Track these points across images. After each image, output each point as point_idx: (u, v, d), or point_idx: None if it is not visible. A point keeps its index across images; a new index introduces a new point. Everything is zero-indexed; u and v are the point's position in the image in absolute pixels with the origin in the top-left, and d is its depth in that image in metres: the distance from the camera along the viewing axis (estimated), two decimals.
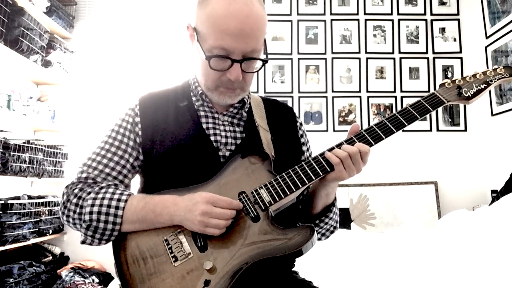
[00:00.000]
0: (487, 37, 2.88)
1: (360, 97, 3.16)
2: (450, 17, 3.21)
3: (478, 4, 2.99)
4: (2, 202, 2.36)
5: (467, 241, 1.65)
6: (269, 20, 3.15)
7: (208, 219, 0.86)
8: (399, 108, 3.11)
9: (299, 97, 3.17)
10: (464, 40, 3.18)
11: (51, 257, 2.78)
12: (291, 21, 3.23)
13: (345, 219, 2.92)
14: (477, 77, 1.01)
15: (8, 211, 2.36)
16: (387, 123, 0.96)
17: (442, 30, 3.21)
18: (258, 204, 0.92)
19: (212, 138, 1.02)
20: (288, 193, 0.93)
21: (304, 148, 1.16)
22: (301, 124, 1.18)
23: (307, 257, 0.96)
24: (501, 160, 2.75)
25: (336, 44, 3.21)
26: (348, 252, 1.91)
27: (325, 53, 3.21)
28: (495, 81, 1.00)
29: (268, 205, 0.92)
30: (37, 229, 2.62)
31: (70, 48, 3.13)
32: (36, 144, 2.68)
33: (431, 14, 3.23)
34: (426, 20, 3.22)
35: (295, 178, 0.93)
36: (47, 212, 2.76)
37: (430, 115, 3.11)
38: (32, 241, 2.59)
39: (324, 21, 3.23)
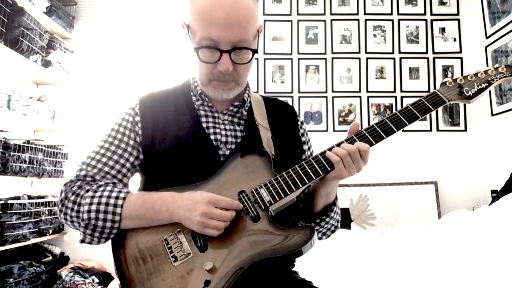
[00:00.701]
0: (487, 37, 2.88)
1: (360, 97, 3.16)
2: (450, 17, 3.21)
3: (478, 4, 2.99)
4: (2, 202, 2.36)
5: (467, 241, 1.65)
6: (269, 20, 3.18)
7: (207, 220, 0.86)
8: (399, 108, 3.12)
9: (299, 97, 3.17)
10: (464, 40, 3.18)
11: (51, 257, 2.78)
12: (291, 21, 3.23)
13: (345, 219, 2.92)
14: (479, 76, 1.00)
15: (8, 211, 2.36)
16: (388, 122, 0.96)
17: (442, 30, 3.21)
18: (258, 203, 0.92)
19: (212, 137, 1.02)
20: (288, 193, 0.92)
21: (305, 147, 1.15)
22: (302, 123, 1.18)
23: (307, 257, 0.96)
24: (501, 160, 2.75)
25: (336, 44, 3.21)
26: (348, 252, 1.91)
27: (325, 53, 3.21)
28: (496, 80, 0.99)
29: (268, 205, 0.92)
30: (37, 229, 2.62)
31: (70, 48, 3.13)
32: (36, 144, 2.68)
33: (431, 14, 3.23)
34: (426, 20, 3.22)
35: (295, 178, 0.93)
36: (47, 212, 2.76)
37: (430, 115, 3.11)
38: (32, 241, 2.59)
39: (324, 21, 3.23)
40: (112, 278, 2.66)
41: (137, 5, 3.28)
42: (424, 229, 2.81)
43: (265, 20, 3.21)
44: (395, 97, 3.15)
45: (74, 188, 0.96)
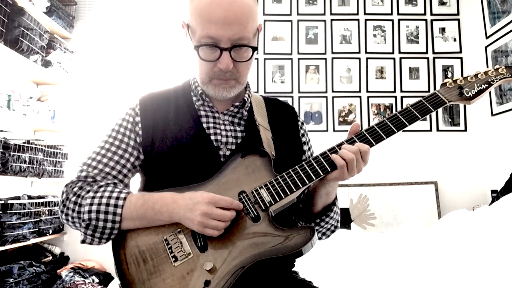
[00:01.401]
0: (487, 37, 2.88)
1: (360, 97, 3.16)
2: (450, 17, 3.21)
3: (478, 4, 2.99)
4: (2, 202, 2.36)
5: (467, 241, 1.65)
6: (269, 20, 3.18)
7: (208, 220, 0.86)
8: (399, 108, 3.12)
9: (299, 97, 3.17)
10: (464, 40, 3.18)
11: (51, 257, 2.78)
12: (291, 21, 3.23)
13: (345, 219, 2.92)
14: (479, 77, 1.00)
15: (8, 211, 2.36)
16: (388, 123, 0.96)
17: (442, 30, 3.21)
18: (258, 204, 0.92)
19: (212, 137, 1.02)
20: (289, 193, 0.92)
21: (305, 147, 1.15)
22: (302, 123, 1.18)
23: (307, 257, 0.96)
24: (501, 160, 2.75)
25: (336, 44, 3.21)
26: (348, 252, 1.91)
27: (325, 53, 3.21)
28: (496, 81, 0.99)
29: (268, 205, 0.92)
30: (37, 229, 2.62)
31: (70, 48, 3.13)
32: (36, 144, 2.68)
33: (431, 14, 3.23)
34: (426, 20, 3.22)
35: (296, 178, 0.93)
36: (47, 212, 2.76)
37: (430, 115, 3.11)
38: (32, 241, 2.59)
39: (324, 21, 3.23)
40: (112, 278, 2.66)
41: (137, 5, 3.28)
42: (424, 229, 2.81)
43: (265, 20, 3.21)
44: (395, 97, 3.15)
45: (75, 189, 0.96)
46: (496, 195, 2.34)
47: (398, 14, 3.23)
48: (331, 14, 3.23)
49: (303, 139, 1.15)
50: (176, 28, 3.16)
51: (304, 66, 3.19)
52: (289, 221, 1.05)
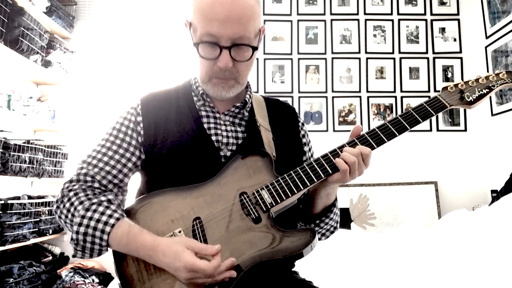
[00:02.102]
0: (487, 37, 2.88)
1: (360, 97, 3.16)
2: (450, 17, 3.21)
3: (478, 4, 2.99)
4: (2, 202, 2.36)
5: (467, 241, 1.65)
6: (269, 20, 3.18)
7: (194, 280, 0.84)
8: (399, 108, 3.13)
9: (299, 97, 3.17)
10: (464, 40, 3.18)
11: (51, 257, 2.78)
12: (291, 21, 3.23)
13: (345, 219, 2.92)
14: (480, 82, 1.01)
15: (8, 211, 2.36)
16: (390, 126, 0.96)
17: (442, 30, 3.21)
18: (260, 205, 0.92)
19: (213, 138, 1.02)
20: (290, 195, 0.92)
21: (306, 148, 1.15)
22: (303, 124, 1.18)
23: (307, 257, 0.96)
24: (501, 160, 2.75)
25: (336, 44, 3.21)
26: (348, 252, 1.91)
27: (325, 53, 3.21)
28: (497, 86, 1.00)
29: (269, 207, 0.92)
30: (37, 229, 2.62)
31: (70, 48, 3.13)
32: (36, 144, 2.68)
33: (431, 14, 3.23)
34: (426, 20, 3.22)
35: (297, 180, 0.93)
36: (47, 212, 2.76)
37: None
38: (32, 241, 2.59)
39: (324, 21, 3.23)
40: (112, 278, 2.66)
41: (137, 5, 3.28)
42: (424, 229, 2.81)
43: (265, 20, 3.21)
44: (395, 97, 3.15)
45: (71, 194, 0.95)
46: (496, 195, 2.34)
47: (398, 14, 3.23)
48: (331, 14, 3.23)
49: (304, 140, 1.15)
50: (176, 28, 3.16)
51: (304, 66, 3.19)
52: (289, 222, 1.05)
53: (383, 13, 3.23)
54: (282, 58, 3.20)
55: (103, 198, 0.94)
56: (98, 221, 0.90)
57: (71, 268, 2.71)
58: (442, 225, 2.16)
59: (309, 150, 1.18)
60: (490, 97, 2.81)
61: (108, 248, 0.92)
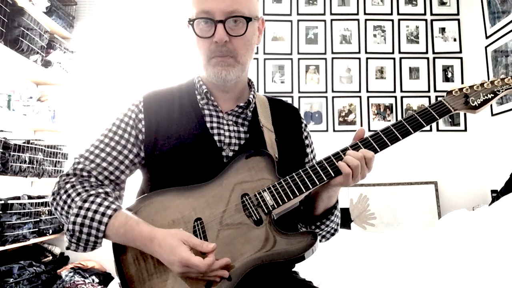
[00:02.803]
0: (487, 37, 2.88)
1: (360, 97, 3.16)
2: (450, 17, 3.21)
3: (478, 4, 2.99)
4: (2, 202, 2.36)
5: (467, 241, 1.65)
6: (269, 20, 3.18)
7: (187, 275, 0.85)
8: (399, 108, 3.13)
9: (299, 97, 3.16)
10: (464, 40, 3.18)
11: (51, 257, 2.78)
12: (291, 21, 3.23)
13: (345, 219, 2.92)
14: (485, 86, 1.00)
15: (8, 211, 2.36)
16: (393, 130, 0.96)
17: (442, 30, 3.21)
18: (261, 207, 0.92)
19: (216, 137, 1.01)
20: (292, 197, 0.92)
21: (308, 150, 1.15)
22: (306, 125, 1.18)
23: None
24: (501, 160, 2.75)
25: (336, 44, 3.21)
26: (348, 252, 1.91)
27: (325, 53, 3.21)
28: (502, 91, 0.99)
29: (271, 209, 0.91)
30: (37, 229, 2.62)
31: (70, 48, 3.13)
32: (36, 144, 2.68)
33: (431, 14, 3.23)
34: (426, 20, 3.22)
35: (299, 183, 0.93)
36: (47, 212, 2.76)
37: None
38: (32, 241, 2.59)
39: (324, 21, 3.23)
40: (112, 278, 2.66)
41: (137, 5, 3.28)
42: (424, 229, 2.81)
43: (265, 20, 3.20)
44: (395, 97, 3.15)
45: (68, 186, 0.95)
46: (496, 195, 2.34)
47: (398, 14, 3.23)
48: (331, 14, 3.23)
49: (306, 142, 1.15)
50: (176, 28, 3.16)
51: (304, 66, 3.19)
52: (291, 224, 1.05)
53: (383, 13, 3.23)
54: (282, 58, 3.20)
55: (100, 190, 0.95)
56: (95, 211, 0.90)
57: (71, 268, 2.71)
58: (442, 225, 2.16)
59: (312, 151, 1.17)
60: None
61: (103, 242, 0.92)
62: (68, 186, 0.95)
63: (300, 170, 0.95)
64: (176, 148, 0.99)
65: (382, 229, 2.89)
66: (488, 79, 2.81)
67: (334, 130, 3.11)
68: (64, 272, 2.66)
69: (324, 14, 3.23)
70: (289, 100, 3.12)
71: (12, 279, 2.29)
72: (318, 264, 1.73)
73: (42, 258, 2.70)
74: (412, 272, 1.54)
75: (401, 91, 3.15)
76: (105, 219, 0.90)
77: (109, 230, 0.90)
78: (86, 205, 0.91)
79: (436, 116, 0.97)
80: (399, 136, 0.95)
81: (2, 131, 2.46)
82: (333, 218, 1.07)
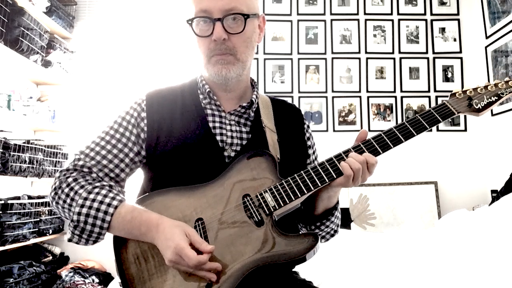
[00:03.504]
0: (487, 37, 2.88)
1: (360, 97, 3.16)
2: (450, 17, 3.21)
3: (478, 4, 2.99)
4: (2, 202, 2.36)
5: (467, 241, 1.65)
6: (269, 20, 3.18)
7: (177, 265, 0.85)
8: (399, 108, 3.13)
9: (299, 97, 3.16)
10: (464, 40, 3.18)
11: (51, 257, 2.78)
12: (291, 21, 3.23)
13: (345, 219, 2.92)
14: (489, 89, 0.99)
15: (8, 211, 2.36)
16: (396, 132, 0.95)
17: (442, 30, 3.21)
18: (263, 208, 0.92)
19: (218, 137, 1.01)
20: (293, 199, 0.92)
21: (310, 151, 1.15)
22: (308, 126, 1.18)
23: None
24: (501, 160, 2.75)
25: (336, 44, 3.21)
26: (348, 252, 1.91)
27: (325, 53, 3.21)
28: (506, 94, 0.98)
29: (272, 210, 0.91)
30: (37, 229, 2.62)
31: (70, 48, 3.13)
32: (36, 144, 2.68)
33: (431, 14, 3.23)
34: (426, 20, 3.22)
35: (301, 184, 0.93)
36: (47, 212, 2.76)
37: None
38: (32, 241, 2.59)
39: (324, 21, 3.23)
40: (112, 278, 2.66)
41: (138, 5, 3.28)
42: (424, 229, 2.81)
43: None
44: (395, 97, 3.15)
45: (69, 180, 0.95)
46: (496, 195, 2.34)
47: (398, 14, 3.23)
48: (331, 14, 3.23)
49: (308, 143, 1.15)
50: (177, 28, 3.16)
51: (304, 66, 3.19)
52: (292, 226, 1.05)
53: (383, 13, 3.23)
54: (282, 58, 3.20)
55: (104, 183, 0.96)
56: (101, 202, 0.91)
57: (71, 268, 2.71)
58: (442, 225, 2.16)
59: (314, 153, 1.17)
60: None
61: (106, 235, 0.92)
62: (70, 180, 0.95)
63: (301, 171, 0.94)
64: (178, 147, 0.99)
65: (382, 229, 2.89)
66: (488, 79, 2.82)
67: (334, 130, 3.11)
68: (64, 272, 2.66)
69: (324, 14, 3.23)
70: (289, 100, 3.12)
71: (12, 279, 2.29)
72: (318, 264, 1.73)
73: (42, 258, 2.70)
74: (412, 272, 1.54)
75: (401, 91, 3.16)
76: (110, 209, 0.90)
77: (114, 219, 0.90)
78: (92, 196, 0.91)
79: (440, 119, 0.97)
80: (402, 139, 0.95)
81: (2, 131, 2.46)
82: (333, 219, 1.07)
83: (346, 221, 2.92)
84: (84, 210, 0.90)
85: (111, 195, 0.92)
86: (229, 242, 0.89)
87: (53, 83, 3.11)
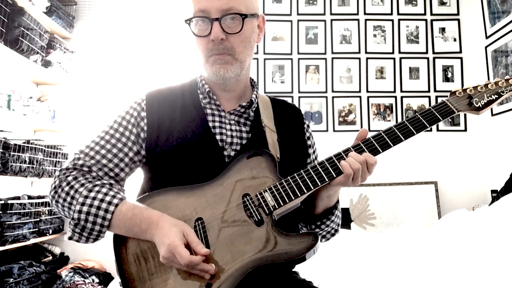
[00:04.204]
0: (487, 37, 2.88)
1: (360, 97, 3.16)
2: (450, 17, 3.21)
3: (478, 4, 2.99)
4: (2, 202, 2.36)
5: (467, 241, 1.65)
6: (269, 20, 3.18)
7: (170, 263, 0.85)
8: (399, 108, 3.13)
9: (299, 97, 3.16)
10: (464, 40, 3.18)
11: (51, 257, 2.78)
12: (291, 21, 3.23)
13: (345, 219, 2.92)
14: (489, 87, 0.99)
15: (8, 211, 2.36)
16: (396, 130, 0.95)
17: (442, 30, 3.21)
18: (262, 208, 0.92)
19: (218, 137, 1.01)
20: (293, 198, 0.92)
21: (310, 150, 1.15)
22: (308, 126, 1.18)
23: None
24: (501, 160, 2.75)
25: (336, 44, 3.21)
26: (348, 252, 1.91)
27: (325, 53, 3.21)
28: (506, 92, 0.97)
29: (272, 209, 0.91)
30: (37, 229, 2.62)
31: (70, 48, 3.13)
32: (36, 144, 2.68)
33: (431, 14, 3.23)
34: (426, 20, 3.22)
35: (301, 183, 0.93)
36: (47, 212, 2.76)
37: None
38: (32, 241, 2.59)
39: (324, 21, 3.23)
40: (112, 278, 2.66)
41: (138, 5, 3.28)
42: (424, 229, 2.81)
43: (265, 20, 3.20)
44: (395, 97, 3.15)
45: (70, 178, 0.95)
46: (496, 195, 2.34)
47: (398, 14, 3.23)
48: (331, 14, 3.23)
49: (308, 142, 1.15)
50: (176, 27, 3.16)
51: (304, 66, 3.19)
52: (292, 225, 1.04)
53: (383, 13, 3.23)
54: (282, 58, 3.20)
55: (105, 182, 0.96)
56: (102, 200, 0.91)
57: (71, 268, 2.71)
58: (442, 225, 2.16)
59: (314, 152, 1.17)
60: None
61: (106, 233, 0.92)
62: (70, 178, 0.95)
63: (301, 171, 0.94)
64: (178, 147, 0.99)
65: (382, 229, 2.89)
66: (488, 79, 2.82)
67: (334, 130, 3.11)
68: (64, 272, 2.67)
69: (324, 14, 3.24)
70: (289, 100, 3.12)
71: (12, 279, 2.29)
72: (318, 264, 1.73)
73: (42, 258, 2.70)
74: (412, 272, 1.54)
75: (401, 91, 3.16)
76: (111, 208, 0.91)
77: (115, 217, 0.90)
78: (92, 194, 0.92)
79: (440, 117, 0.97)
80: (402, 137, 0.95)
81: (2, 131, 2.46)
82: (334, 218, 1.07)
83: (346, 221, 2.92)
84: (85, 208, 0.90)
85: (111, 193, 0.93)
86: (229, 241, 0.89)
87: (53, 83, 3.11)
